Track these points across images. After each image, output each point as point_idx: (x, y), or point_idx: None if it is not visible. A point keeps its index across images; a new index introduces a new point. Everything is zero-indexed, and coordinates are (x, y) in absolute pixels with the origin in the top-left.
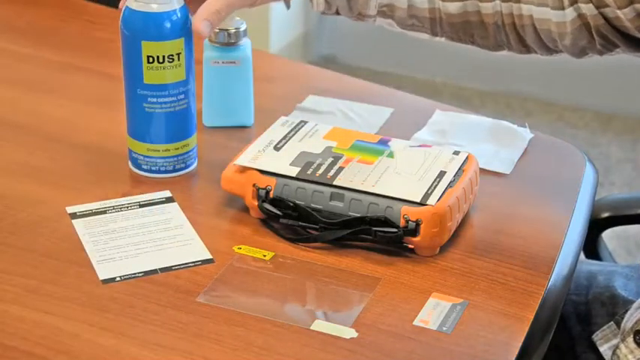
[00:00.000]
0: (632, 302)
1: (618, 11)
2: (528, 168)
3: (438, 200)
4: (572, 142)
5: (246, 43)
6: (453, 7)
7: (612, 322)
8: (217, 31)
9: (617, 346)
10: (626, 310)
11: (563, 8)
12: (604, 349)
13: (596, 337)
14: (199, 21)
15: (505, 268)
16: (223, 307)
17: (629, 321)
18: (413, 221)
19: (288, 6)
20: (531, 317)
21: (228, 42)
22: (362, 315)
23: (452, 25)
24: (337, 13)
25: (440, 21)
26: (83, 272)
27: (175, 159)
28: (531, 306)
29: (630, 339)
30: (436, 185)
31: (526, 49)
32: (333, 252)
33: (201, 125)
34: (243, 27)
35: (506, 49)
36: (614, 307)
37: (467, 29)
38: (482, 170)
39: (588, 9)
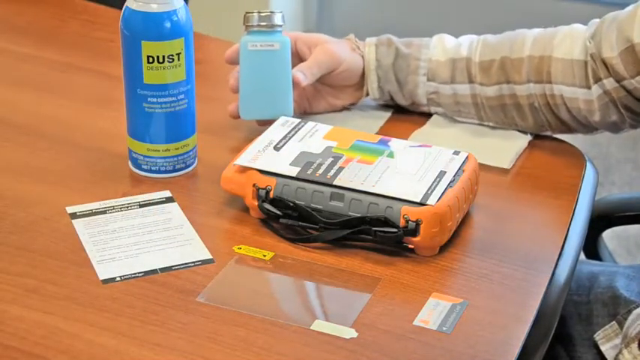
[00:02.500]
0: (633, 302)
1: (633, 81)
2: (528, 168)
3: (438, 200)
4: (572, 142)
5: (282, 29)
6: (490, 91)
7: (614, 322)
8: (254, 14)
9: (619, 352)
10: (629, 311)
11: (589, 87)
12: (605, 348)
13: (598, 336)
14: (296, 71)
15: (505, 268)
16: (223, 307)
17: (631, 327)
18: (413, 221)
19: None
20: (531, 317)
21: (265, 24)
22: (362, 315)
23: (492, 108)
24: (392, 99)
25: (482, 106)
26: (83, 272)
27: (175, 159)
28: (531, 306)
29: (635, 345)
30: (436, 185)
31: (566, 127)
32: (333, 252)
33: (201, 125)
34: (279, 13)
35: (548, 129)
36: (615, 307)
37: (506, 112)
38: (483, 168)
39: (610, 83)
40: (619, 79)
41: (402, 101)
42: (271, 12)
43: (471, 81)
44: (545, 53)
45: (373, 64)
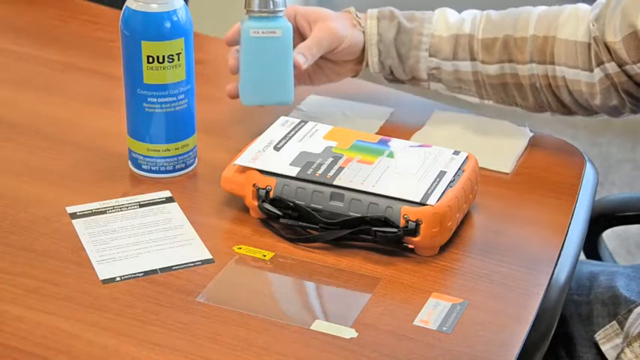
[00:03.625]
0: (634, 302)
1: (635, 67)
2: (528, 168)
3: (438, 200)
4: (572, 142)
5: (284, 16)
6: (492, 69)
7: (614, 322)
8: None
9: (621, 351)
10: (629, 310)
11: (591, 70)
12: (606, 348)
13: (599, 336)
14: (296, 53)
15: (505, 268)
16: (223, 307)
17: (633, 326)
18: (413, 221)
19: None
20: (531, 317)
21: (267, 10)
22: (362, 315)
23: (493, 86)
24: (392, 74)
25: (483, 83)
26: (83, 272)
27: (175, 159)
28: (531, 306)
29: (637, 344)
30: (436, 185)
31: (566, 109)
32: (333, 252)
33: (201, 125)
34: None
35: (548, 110)
36: (616, 307)
37: (507, 91)
38: (483, 170)
39: (612, 67)
40: (621, 64)
41: (402, 76)
42: None
43: (472, 58)
44: (549, 33)
45: (375, 38)
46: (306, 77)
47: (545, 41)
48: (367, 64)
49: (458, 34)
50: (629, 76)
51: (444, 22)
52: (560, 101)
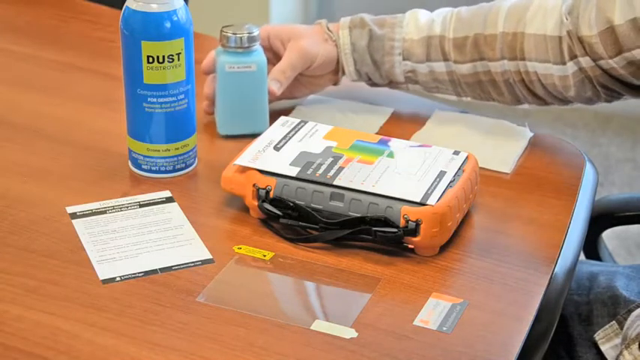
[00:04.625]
0: (633, 302)
1: (611, 61)
2: (528, 168)
3: (438, 200)
4: (572, 142)
5: (259, 48)
6: (465, 68)
7: (614, 322)
8: (230, 35)
9: (620, 353)
10: (628, 310)
11: (564, 63)
12: (605, 348)
13: (598, 336)
14: (269, 80)
15: (505, 268)
16: (223, 307)
17: (631, 328)
18: (413, 221)
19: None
20: (531, 317)
21: (242, 46)
22: (362, 315)
23: (468, 85)
24: (369, 79)
25: (459, 82)
26: (83, 272)
27: (175, 159)
28: (531, 306)
29: (635, 346)
30: (436, 185)
31: (542, 101)
32: (333, 252)
33: (201, 125)
34: (255, 32)
35: (524, 103)
36: (615, 307)
37: (482, 88)
38: (483, 170)
39: (586, 62)
40: (596, 59)
41: (379, 81)
42: (248, 32)
43: (445, 59)
44: (517, 29)
45: (348, 48)
46: (286, 93)
47: (514, 37)
48: (344, 73)
49: (429, 36)
50: (604, 70)
51: (415, 24)
52: (535, 94)
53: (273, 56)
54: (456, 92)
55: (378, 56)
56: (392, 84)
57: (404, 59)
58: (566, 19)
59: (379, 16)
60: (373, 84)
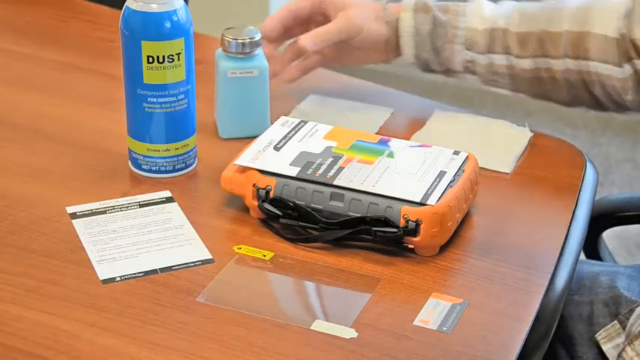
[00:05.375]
0: (635, 302)
1: None
2: (528, 168)
3: (438, 200)
4: (572, 142)
5: (260, 52)
6: (526, 64)
7: (616, 321)
8: (231, 40)
9: (623, 349)
10: (630, 310)
11: (621, 65)
12: (607, 347)
13: (600, 335)
14: (305, 37)
15: (505, 268)
16: (223, 307)
17: (635, 324)
18: (413, 221)
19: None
20: (531, 317)
21: (243, 52)
22: (362, 315)
23: (527, 80)
24: (427, 65)
25: (517, 77)
26: (83, 272)
27: (175, 159)
28: (531, 306)
29: (638, 342)
30: (436, 185)
31: (600, 105)
32: (333, 252)
33: (201, 125)
34: (257, 36)
35: (581, 105)
36: (617, 307)
37: (541, 85)
38: (483, 170)
39: None
40: None
41: (436, 67)
42: (250, 37)
43: (507, 52)
44: (582, 28)
45: (411, 31)
46: (333, 55)
47: (579, 36)
48: (398, 55)
49: (493, 28)
50: None
51: (479, 14)
52: (594, 96)
53: (323, 19)
54: (513, 87)
55: (439, 43)
56: (448, 72)
57: (465, 48)
58: (622, 21)
59: (442, 2)
60: (428, 70)
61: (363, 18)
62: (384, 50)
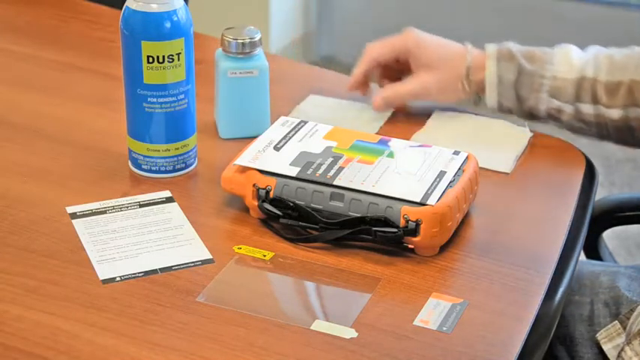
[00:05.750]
0: (635, 302)
1: None
2: (528, 168)
3: (438, 200)
4: (572, 142)
5: (260, 52)
6: (616, 113)
7: (616, 321)
8: (231, 40)
9: (622, 349)
10: (631, 310)
11: None
12: (607, 347)
13: (600, 335)
14: (380, 96)
15: (505, 268)
16: (223, 307)
17: (634, 324)
18: (413, 221)
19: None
20: (531, 317)
21: (243, 52)
22: (362, 315)
23: (616, 128)
24: (509, 112)
25: (605, 126)
26: (83, 272)
27: (175, 159)
28: (531, 306)
29: (637, 342)
30: (436, 185)
31: None
32: (333, 252)
33: (201, 125)
34: (257, 36)
35: None
36: (617, 307)
37: (632, 133)
38: (483, 170)
39: None
40: None
41: (519, 115)
42: (250, 37)
43: (595, 102)
44: None
45: (495, 80)
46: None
47: None
48: (479, 98)
49: (581, 77)
50: None
51: (567, 62)
52: None
53: (401, 65)
54: (600, 135)
55: (524, 92)
56: (532, 117)
57: (551, 96)
58: None
59: (527, 49)
60: (507, 112)
61: (440, 91)
62: (462, 95)
